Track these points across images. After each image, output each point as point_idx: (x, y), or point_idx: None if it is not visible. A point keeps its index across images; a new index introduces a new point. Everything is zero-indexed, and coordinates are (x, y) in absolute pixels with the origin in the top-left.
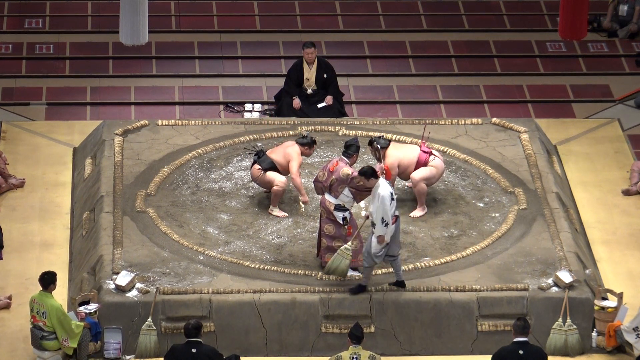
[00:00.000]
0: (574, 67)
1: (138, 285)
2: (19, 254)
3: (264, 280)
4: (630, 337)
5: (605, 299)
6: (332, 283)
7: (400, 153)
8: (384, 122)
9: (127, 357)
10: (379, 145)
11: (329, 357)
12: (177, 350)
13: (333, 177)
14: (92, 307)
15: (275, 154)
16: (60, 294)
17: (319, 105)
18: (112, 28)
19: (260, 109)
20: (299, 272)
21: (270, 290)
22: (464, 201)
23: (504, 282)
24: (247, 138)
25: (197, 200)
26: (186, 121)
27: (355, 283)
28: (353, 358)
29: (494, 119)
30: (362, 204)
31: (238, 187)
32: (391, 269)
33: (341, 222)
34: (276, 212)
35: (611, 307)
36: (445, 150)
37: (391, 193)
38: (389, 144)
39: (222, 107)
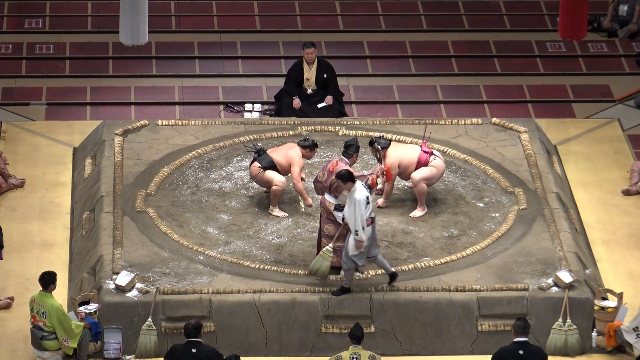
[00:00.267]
0: (574, 67)
1: (138, 285)
2: (19, 254)
3: (264, 280)
4: (630, 337)
5: (605, 299)
6: (332, 283)
7: (401, 153)
8: (384, 122)
9: (127, 357)
10: (379, 146)
11: (329, 357)
12: (177, 350)
13: (333, 177)
14: (92, 307)
15: (277, 154)
16: (60, 294)
17: (319, 105)
18: (112, 28)
19: (260, 109)
20: (299, 272)
21: (270, 290)
22: (464, 201)
23: (504, 282)
24: (247, 138)
25: (197, 200)
26: (186, 121)
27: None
28: (353, 358)
29: (494, 119)
30: None
31: (238, 187)
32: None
33: (341, 222)
34: (276, 212)
35: (611, 307)
36: (445, 150)
37: (367, 197)
38: (390, 144)
39: (222, 107)
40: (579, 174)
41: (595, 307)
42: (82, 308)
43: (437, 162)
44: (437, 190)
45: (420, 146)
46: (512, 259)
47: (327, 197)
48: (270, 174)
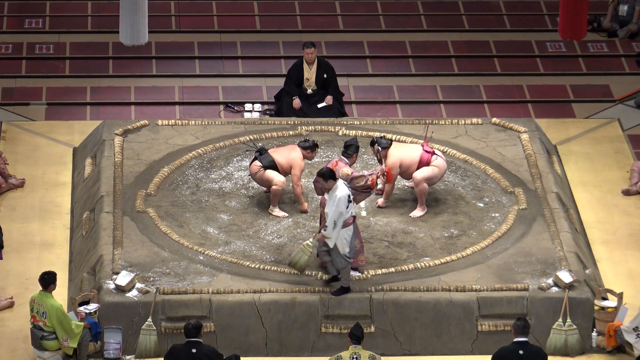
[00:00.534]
0: (574, 67)
1: (138, 285)
2: (19, 254)
3: (264, 280)
4: (630, 337)
5: (605, 299)
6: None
7: (402, 153)
8: (384, 122)
9: (127, 357)
10: (379, 147)
11: (329, 357)
12: (177, 350)
13: None
14: (92, 307)
15: (278, 155)
16: (60, 294)
17: (319, 105)
18: (112, 28)
19: (260, 109)
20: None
21: (270, 290)
22: (464, 201)
23: (504, 282)
24: (247, 138)
25: (197, 200)
26: (186, 121)
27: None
28: (353, 358)
29: (494, 119)
30: (363, 204)
31: (238, 187)
32: (391, 269)
33: None
34: (276, 212)
35: (611, 307)
36: (445, 150)
37: (348, 195)
38: (391, 144)
39: (222, 107)
40: (579, 174)
41: (595, 307)
42: (82, 308)
43: (438, 162)
44: (437, 190)
45: (422, 146)
46: (512, 259)
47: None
48: (271, 174)
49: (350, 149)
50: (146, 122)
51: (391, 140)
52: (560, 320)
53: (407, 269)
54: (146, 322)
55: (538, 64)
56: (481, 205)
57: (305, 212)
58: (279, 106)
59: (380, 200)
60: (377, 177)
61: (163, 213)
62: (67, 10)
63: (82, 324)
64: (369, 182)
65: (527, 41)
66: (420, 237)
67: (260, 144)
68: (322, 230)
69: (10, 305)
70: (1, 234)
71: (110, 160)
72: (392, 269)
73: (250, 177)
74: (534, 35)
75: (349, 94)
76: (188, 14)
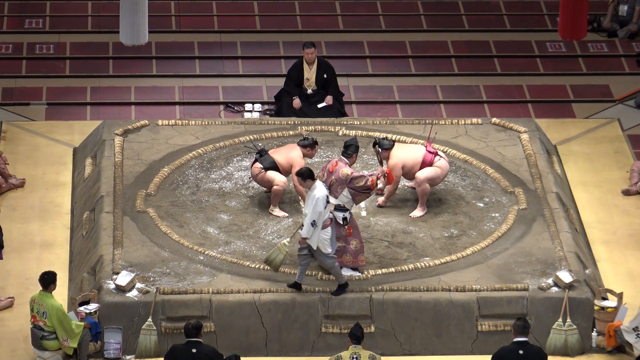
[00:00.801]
0: (574, 67)
1: (138, 285)
2: (19, 254)
3: (264, 280)
4: (630, 337)
5: (605, 299)
6: (332, 283)
7: (405, 154)
8: (384, 122)
9: (127, 357)
10: (379, 149)
11: (329, 357)
12: (177, 350)
13: (332, 177)
14: (92, 307)
15: (278, 155)
16: (60, 294)
17: (319, 105)
18: (112, 28)
19: (260, 109)
20: None
21: (270, 290)
22: (464, 201)
23: (504, 282)
24: (247, 138)
25: (197, 200)
26: (186, 121)
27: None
28: (353, 358)
29: (494, 119)
30: (363, 204)
31: (238, 187)
32: (391, 269)
33: (341, 223)
34: (276, 212)
35: (611, 307)
36: (445, 150)
37: (326, 196)
38: (393, 145)
39: (222, 107)
40: (579, 174)
41: (595, 307)
42: (82, 308)
43: (441, 163)
44: (437, 190)
45: (425, 146)
46: (512, 259)
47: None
48: (272, 174)
49: (350, 149)
50: (146, 122)
51: (393, 142)
52: (560, 320)
53: (407, 269)
54: (146, 322)
55: (538, 64)
56: (481, 205)
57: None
58: (279, 106)
59: (381, 199)
60: (378, 178)
61: (163, 213)
62: (67, 10)
63: (82, 324)
64: (368, 183)
65: (527, 41)
66: (420, 237)
67: (260, 145)
68: (300, 231)
69: (11, 305)
70: (1, 234)
71: (110, 160)
72: (392, 269)
73: (251, 178)
74: (534, 35)
75: (349, 94)
76: (188, 14)
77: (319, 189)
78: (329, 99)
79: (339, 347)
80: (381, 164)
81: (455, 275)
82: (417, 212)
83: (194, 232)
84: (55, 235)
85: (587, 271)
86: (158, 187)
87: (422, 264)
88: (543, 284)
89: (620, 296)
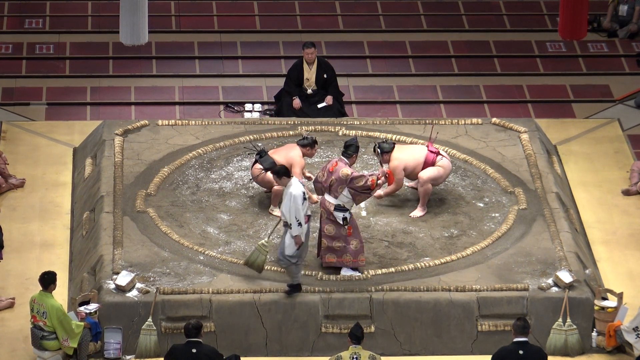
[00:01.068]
0: (574, 67)
1: (138, 285)
2: (19, 254)
3: (264, 280)
4: (630, 337)
5: (605, 299)
6: (332, 283)
7: (406, 155)
8: (384, 122)
9: (127, 357)
10: (379, 150)
11: (329, 357)
12: (177, 350)
13: (332, 177)
14: (92, 307)
15: (278, 155)
16: (60, 294)
17: (319, 105)
18: (112, 28)
19: (260, 109)
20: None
21: (270, 290)
22: (464, 201)
23: (504, 282)
24: (247, 138)
25: (197, 200)
26: (186, 121)
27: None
28: (353, 358)
29: (494, 119)
30: (363, 204)
31: (238, 187)
32: (391, 269)
33: (341, 223)
34: (276, 212)
35: (611, 307)
36: (445, 150)
37: (303, 193)
38: (394, 147)
39: (222, 107)
40: (579, 174)
41: (595, 307)
42: (82, 308)
43: (444, 162)
44: (437, 190)
45: (427, 146)
46: (512, 259)
47: (327, 197)
48: (272, 175)
49: (350, 149)
50: (146, 122)
51: (394, 144)
52: (560, 320)
53: (407, 269)
54: (146, 322)
55: (538, 64)
56: (481, 205)
57: (315, 202)
58: (279, 106)
59: (381, 191)
60: (378, 179)
61: (163, 213)
62: (67, 10)
63: (82, 324)
64: (368, 183)
65: (527, 41)
66: (420, 237)
67: (260, 145)
68: (289, 231)
69: (11, 305)
70: (1, 234)
71: (110, 160)
72: (392, 269)
73: (251, 179)
74: (534, 35)
75: (349, 94)
76: (188, 14)
77: (295, 186)
78: (329, 99)
79: (339, 347)
80: (382, 165)
81: (455, 275)
82: (417, 212)
83: (194, 232)
84: (55, 235)
85: (587, 271)
86: (158, 187)
87: (422, 264)
88: (543, 284)
89: (620, 296)
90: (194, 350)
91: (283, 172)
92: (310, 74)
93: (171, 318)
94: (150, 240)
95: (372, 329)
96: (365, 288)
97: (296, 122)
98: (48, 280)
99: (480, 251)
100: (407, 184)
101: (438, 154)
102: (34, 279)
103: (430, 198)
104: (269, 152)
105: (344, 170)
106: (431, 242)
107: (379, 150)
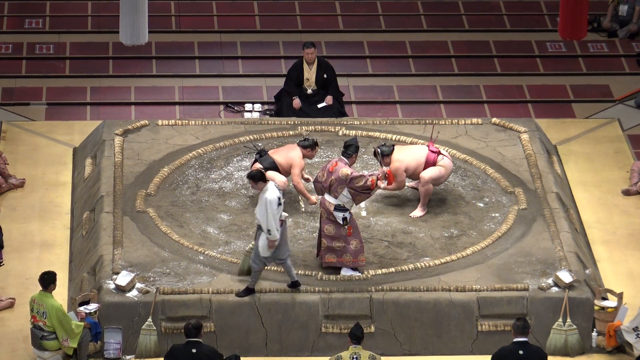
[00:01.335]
0: (574, 67)
1: (138, 285)
2: (19, 254)
3: (264, 280)
4: (630, 337)
5: (605, 299)
6: (332, 283)
7: (406, 156)
8: (384, 122)
9: (127, 357)
10: (379, 150)
11: (329, 357)
12: (177, 350)
13: (332, 177)
14: (92, 307)
15: (278, 155)
16: (60, 294)
17: (319, 105)
18: (112, 28)
19: (260, 109)
20: (299, 272)
21: (270, 290)
22: (464, 201)
23: (504, 282)
24: (247, 138)
25: (197, 200)
26: (186, 121)
27: (289, 284)
28: (353, 358)
29: (494, 119)
30: (363, 204)
31: (238, 187)
32: (391, 269)
33: (341, 223)
34: None
35: (611, 307)
36: (446, 150)
37: (278, 198)
38: (393, 150)
39: (222, 107)
40: (579, 174)
41: (595, 307)
42: (82, 308)
43: (445, 162)
44: (437, 190)
45: (428, 146)
46: (512, 259)
47: (327, 197)
48: (272, 175)
49: (350, 149)
50: (146, 122)
51: (393, 145)
52: (560, 320)
53: (407, 269)
54: (146, 322)
55: (538, 64)
56: (481, 205)
57: (314, 203)
58: (279, 106)
59: (382, 184)
60: (378, 179)
61: (163, 213)
62: (67, 10)
63: (82, 324)
64: (368, 183)
65: (527, 41)
66: (420, 237)
67: (260, 145)
68: (267, 236)
69: (11, 305)
70: (1, 234)
71: (110, 160)
72: (392, 269)
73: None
74: (534, 35)
75: (349, 94)
76: (188, 14)
77: (271, 191)
78: (329, 99)
79: (339, 347)
80: (382, 166)
81: (455, 275)
82: (417, 212)
83: (194, 232)
84: (55, 235)
85: (587, 271)
86: (158, 187)
87: (422, 264)
88: (543, 284)
89: (620, 296)
90: (194, 350)
91: (259, 177)
92: (310, 74)
93: (171, 318)
94: (150, 240)
95: (372, 329)
96: (365, 288)
97: (296, 122)
98: (48, 280)
99: (480, 251)
100: (408, 184)
101: (439, 153)
102: (34, 279)
103: (430, 198)
104: (269, 152)
105: (344, 170)
106: (431, 242)
107: (379, 153)
